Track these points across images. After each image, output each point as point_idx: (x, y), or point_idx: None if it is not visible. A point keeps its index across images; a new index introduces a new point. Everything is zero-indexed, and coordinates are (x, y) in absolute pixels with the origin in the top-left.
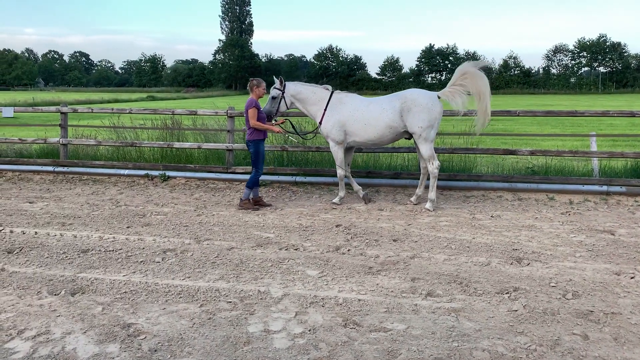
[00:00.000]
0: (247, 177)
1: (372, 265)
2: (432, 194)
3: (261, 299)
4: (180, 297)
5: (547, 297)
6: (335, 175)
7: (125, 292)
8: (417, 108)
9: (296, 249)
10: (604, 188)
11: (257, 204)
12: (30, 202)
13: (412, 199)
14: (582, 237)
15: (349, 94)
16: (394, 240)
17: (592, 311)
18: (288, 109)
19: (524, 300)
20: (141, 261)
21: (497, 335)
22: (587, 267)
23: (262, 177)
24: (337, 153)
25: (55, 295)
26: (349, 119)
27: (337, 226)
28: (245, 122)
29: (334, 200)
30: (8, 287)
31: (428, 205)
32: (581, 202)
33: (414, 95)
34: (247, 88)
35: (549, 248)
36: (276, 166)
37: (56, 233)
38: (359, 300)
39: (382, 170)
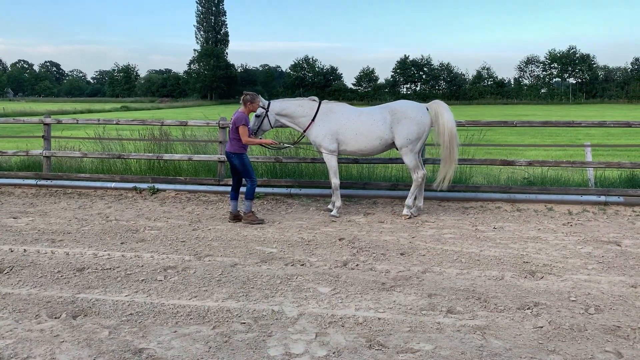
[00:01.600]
0: (242, 189)
1: (384, 280)
2: (409, 200)
3: (276, 319)
4: (191, 319)
5: (570, 312)
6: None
7: (130, 313)
8: (407, 120)
9: (302, 265)
10: (602, 198)
11: (236, 218)
12: (14, 218)
13: (413, 210)
14: (589, 248)
15: (339, 103)
16: (402, 254)
17: (619, 327)
18: (272, 127)
19: (547, 316)
20: (142, 280)
21: (530, 355)
22: (602, 280)
23: (256, 190)
24: (331, 162)
25: (55, 318)
26: (341, 127)
27: (340, 240)
28: (229, 133)
29: (332, 213)
30: (3, 311)
31: (405, 211)
32: (580, 212)
33: (404, 107)
34: (240, 102)
35: (559, 260)
36: (270, 178)
37: (47, 250)
38: (379, 319)
39: (379, 181)
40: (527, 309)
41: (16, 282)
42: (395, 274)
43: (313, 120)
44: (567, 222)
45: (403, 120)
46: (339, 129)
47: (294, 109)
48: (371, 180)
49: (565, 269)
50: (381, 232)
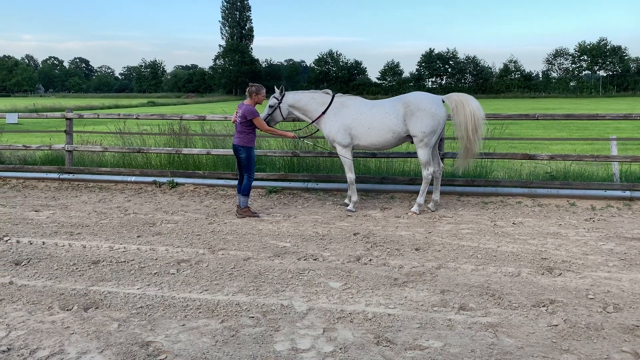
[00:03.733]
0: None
1: (397, 276)
2: (421, 198)
3: (285, 314)
4: (200, 312)
5: (587, 310)
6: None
7: (141, 306)
8: (421, 112)
9: (315, 259)
10: (627, 194)
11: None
12: (35, 211)
13: (430, 205)
14: (611, 245)
15: (352, 97)
16: (417, 250)
17: (638, 326)
18: (284, 119)
19: (563, 314)
20: (155, 273)
21: (542, 354)
22: (622, 278)
23: (273, 184)
24: (346, 157)
25: (67, 310)
26: (354, 122)
27: (355, 235)
28: (236, 126)
29: (348, 208)
30: (17, 302)
31: (415, 208)
32: (604, 207)
33: (418, 99)
34: (246, 93)
35: (579, 257)
36: (287, 172)
37: (64, 243)
38: (389, 315)
39: (397, 176)
40: (543, 306)
41: (32, 274)
42: (408, 269)
43: (324, 113)
44: (589, 217)
45: (417, 113)
46: (351, 123)
47: (307, 101)
48: (389, 175)
49: (584, 265)
50: (397, 227)
